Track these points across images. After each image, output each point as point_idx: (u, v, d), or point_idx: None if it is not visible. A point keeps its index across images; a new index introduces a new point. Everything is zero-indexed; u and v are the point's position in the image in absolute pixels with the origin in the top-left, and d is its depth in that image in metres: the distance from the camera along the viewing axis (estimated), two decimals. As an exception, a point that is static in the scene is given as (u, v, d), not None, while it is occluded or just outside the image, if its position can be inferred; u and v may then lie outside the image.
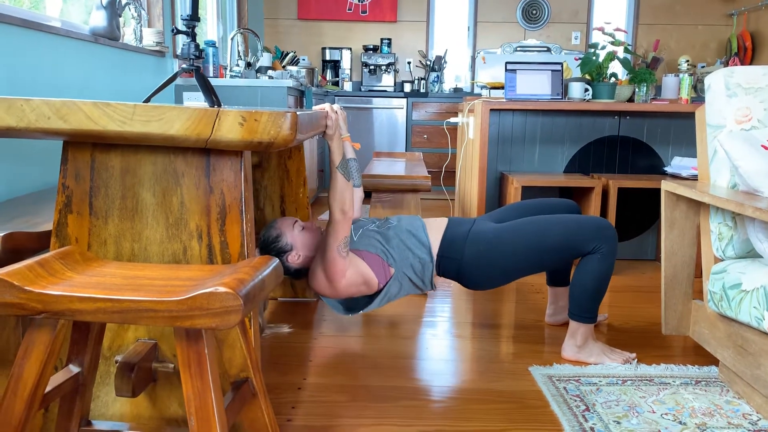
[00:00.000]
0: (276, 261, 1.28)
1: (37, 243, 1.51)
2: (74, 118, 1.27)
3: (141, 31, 3.49)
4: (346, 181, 2.01)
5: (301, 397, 1.88)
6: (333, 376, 2.03)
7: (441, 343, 2.33)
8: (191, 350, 1.08)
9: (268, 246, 2.22)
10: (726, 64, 6.15)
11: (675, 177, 3.29)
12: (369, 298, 2.26)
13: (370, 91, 6.11)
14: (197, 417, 1.08)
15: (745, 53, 6.06)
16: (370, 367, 2.10)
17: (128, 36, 3.45)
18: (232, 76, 4.31)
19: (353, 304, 2.30)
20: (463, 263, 2.18)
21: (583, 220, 2.13)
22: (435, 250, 2.20)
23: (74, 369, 1.29)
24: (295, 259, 2.22)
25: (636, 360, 2.16)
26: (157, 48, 3.55)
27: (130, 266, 1.28)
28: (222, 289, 1.03)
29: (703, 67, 6.20)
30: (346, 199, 2.02)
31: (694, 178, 3.15)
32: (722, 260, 1.99)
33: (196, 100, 3.80)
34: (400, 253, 2.17)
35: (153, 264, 1.35)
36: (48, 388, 1.20)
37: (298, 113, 1.32)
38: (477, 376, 2.05)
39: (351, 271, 2.12)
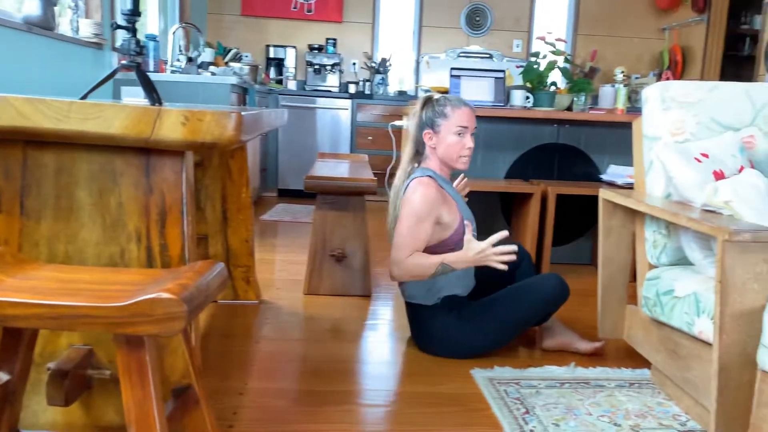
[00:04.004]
0: (221, 265, 1.25)
1: (-37, 243, 1.43)
2: (4, 114, 1.21)
3: (78, 21, 3.36)
4: (432, 274, 2.08)
5: (243, 403, 1.84)
6: (275, 381, 2.00)
7: (383, 347, 2.33)
8: (132, 357, 1.04)
9: (432, 104, 2.25)
10: (659, 76, 6.40)
11: (610, 184, 3.39)
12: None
13: (314, 90, 6.07)
14: (138, 426, 1.04)
15: (676, 67, 6.32)
16: (312, 372, 2.08)
17: (64, 26, 3.31)
18: (172, 71, 4.20)
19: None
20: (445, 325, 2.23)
21: (549, 299, 2.26)
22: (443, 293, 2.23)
23: (3, 377, 1.22)
24: (429, 140, 2.26)
25: (574, 363, 2.22)
26: (95, 40, 3.42)
27: (65, 269, 1.23)
28: (165, 295, 1.00)
29: (637, 78, 6.43)
30: (415, 276, 2.13)
31: (629, 185, 3.26)
32: (656, 267, 2.06)
33: (135, 95, 3.68)
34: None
35: (89, 267, 1.30)
36: (-26, 398, 1.14)
37: (243, 114, 1.30)
38: (419, 379, 2.06)
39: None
